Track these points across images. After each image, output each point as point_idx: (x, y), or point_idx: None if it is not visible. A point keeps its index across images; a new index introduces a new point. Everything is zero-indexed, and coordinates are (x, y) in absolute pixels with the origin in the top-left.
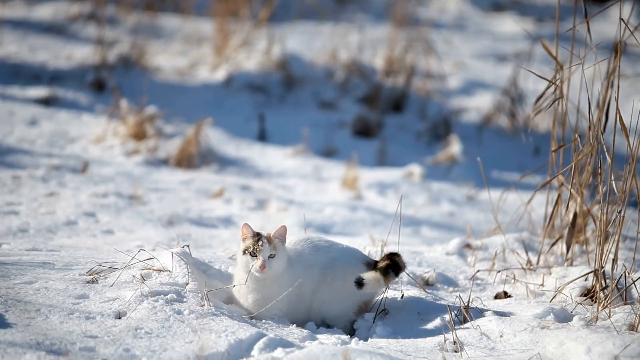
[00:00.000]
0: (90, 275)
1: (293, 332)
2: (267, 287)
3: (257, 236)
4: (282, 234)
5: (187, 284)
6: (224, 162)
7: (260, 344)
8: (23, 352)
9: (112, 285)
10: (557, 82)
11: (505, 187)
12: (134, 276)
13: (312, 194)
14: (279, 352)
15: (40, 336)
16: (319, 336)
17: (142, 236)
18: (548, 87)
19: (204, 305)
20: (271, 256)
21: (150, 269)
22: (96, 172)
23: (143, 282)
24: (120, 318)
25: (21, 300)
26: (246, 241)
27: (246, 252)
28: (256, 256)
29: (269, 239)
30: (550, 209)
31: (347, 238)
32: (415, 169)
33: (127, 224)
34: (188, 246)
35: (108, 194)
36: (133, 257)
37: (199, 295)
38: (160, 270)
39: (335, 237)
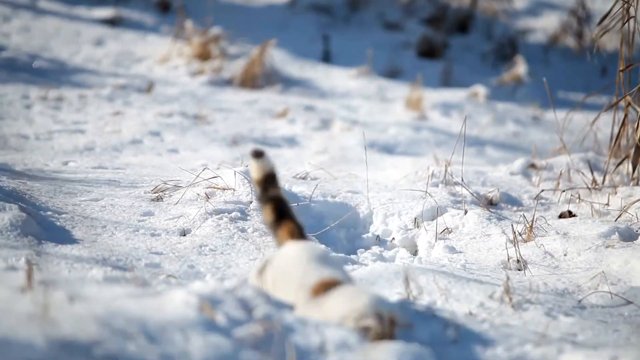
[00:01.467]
0: (155, 193)
1: (359, 255)
2: None
3: None
4: None
5: (251, 202)
6: (287, 83)
7: None
8: (89, 268)
9: (176, 203)
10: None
11: (571, 108)
12: (198, 194)
13: (375, 114)
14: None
15: (106, 252)
16: (384, 253)
17: (207, 155)
18: (614, 5)
19: None
20: None
21: (214, 187)
22: (161, 91)
23: (207, 200)
24: (184, 235)
25: (87, 217)
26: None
27: None
28: None
29: None
30: (616, 130)
31: (411, 157)
32: (480, 90)
33: (192, 143)
34: None
35: (173, 114)
36: (197, 176)
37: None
38: (225, 189)
39: (399, 156)
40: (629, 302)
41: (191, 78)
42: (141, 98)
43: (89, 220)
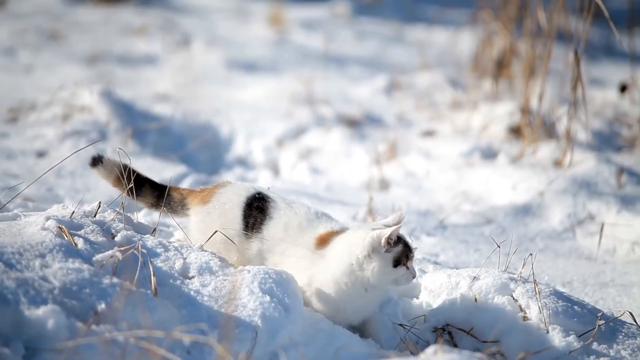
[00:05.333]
0: (10, 113)
1: (221, 176)
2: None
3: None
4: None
5: (110, 122)
6: None
7: (189, 178)
8: None
9: (33, 124)
10: None
11: (434, 24)
12: (55, 115)
13: (236, 30)
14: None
15: None
16: (247, 174)
17: (64, 74)
18: None
19: (127, 144)
20: None
21: (72, 107)
22: (14, 7)
23: (65, 121)
24: (42, 157)
25: None
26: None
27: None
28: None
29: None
30: (477, 46)
31: (273, 76)
32: (343, 5)
33: (48, 62)
34: (111, 84)
35: (28, 30)
36: (54, 95)
37: (123, 134)
38: (83, 109)
39: (261, 75)
40: (489, 221)
41: None
42: None
43: None
